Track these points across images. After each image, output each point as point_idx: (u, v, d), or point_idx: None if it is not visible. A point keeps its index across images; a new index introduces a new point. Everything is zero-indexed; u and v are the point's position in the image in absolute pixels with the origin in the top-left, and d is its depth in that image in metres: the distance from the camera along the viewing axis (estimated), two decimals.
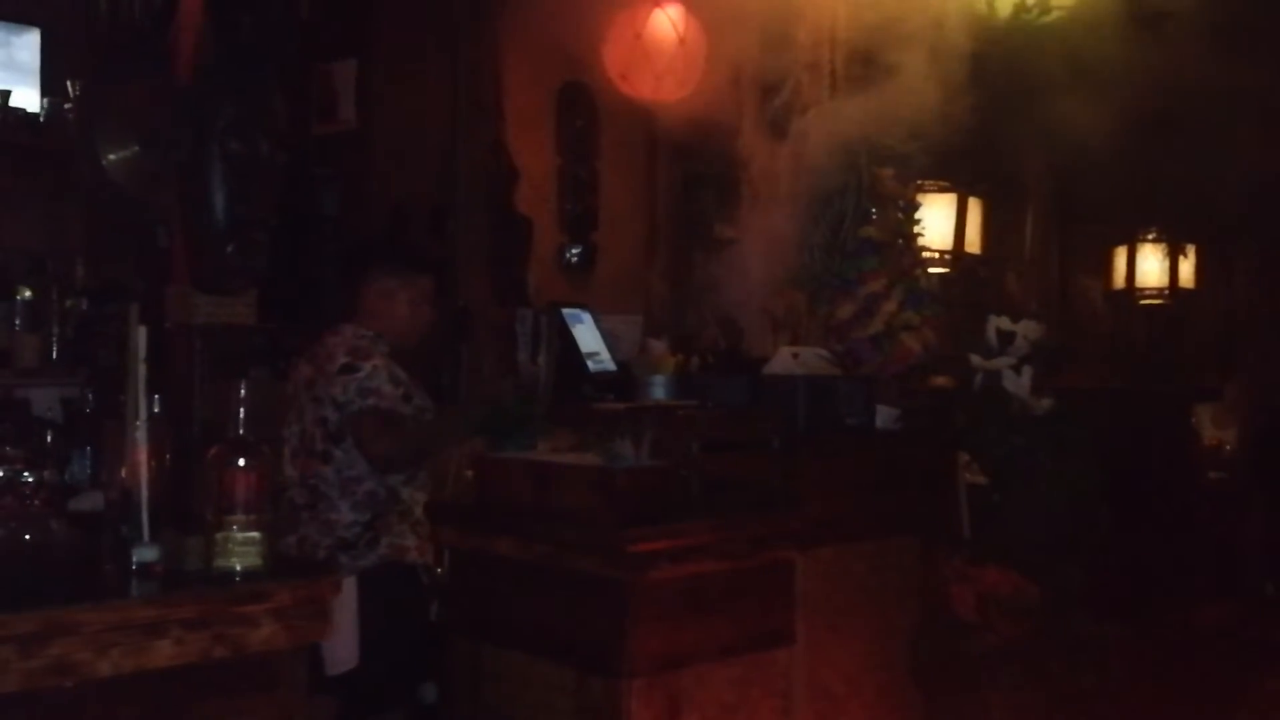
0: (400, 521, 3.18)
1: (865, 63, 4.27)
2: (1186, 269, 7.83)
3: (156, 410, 2.11)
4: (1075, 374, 5.21)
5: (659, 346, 4.05)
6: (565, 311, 4.21)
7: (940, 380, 4.03)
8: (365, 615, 3.05)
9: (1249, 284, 8.04)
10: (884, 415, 3.77)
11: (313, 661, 2.53)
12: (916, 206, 4.36)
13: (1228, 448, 7.25)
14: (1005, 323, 3.85)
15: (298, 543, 3.12)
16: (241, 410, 2.12)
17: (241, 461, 2.06)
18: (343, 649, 2.99)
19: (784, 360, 3.73)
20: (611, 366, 4.20)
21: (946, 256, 5.62)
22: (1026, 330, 3.83)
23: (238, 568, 2.05)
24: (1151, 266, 7.79)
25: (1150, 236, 7.77)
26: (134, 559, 2.01)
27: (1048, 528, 3.85)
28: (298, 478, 3.21)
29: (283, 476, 3.16)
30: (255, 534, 2.06)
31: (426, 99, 5.18)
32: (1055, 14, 4.10)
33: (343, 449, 3.14)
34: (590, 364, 4.16)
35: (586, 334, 4.24)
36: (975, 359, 3.85)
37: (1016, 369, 3.80)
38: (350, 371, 3.13)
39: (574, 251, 5.84)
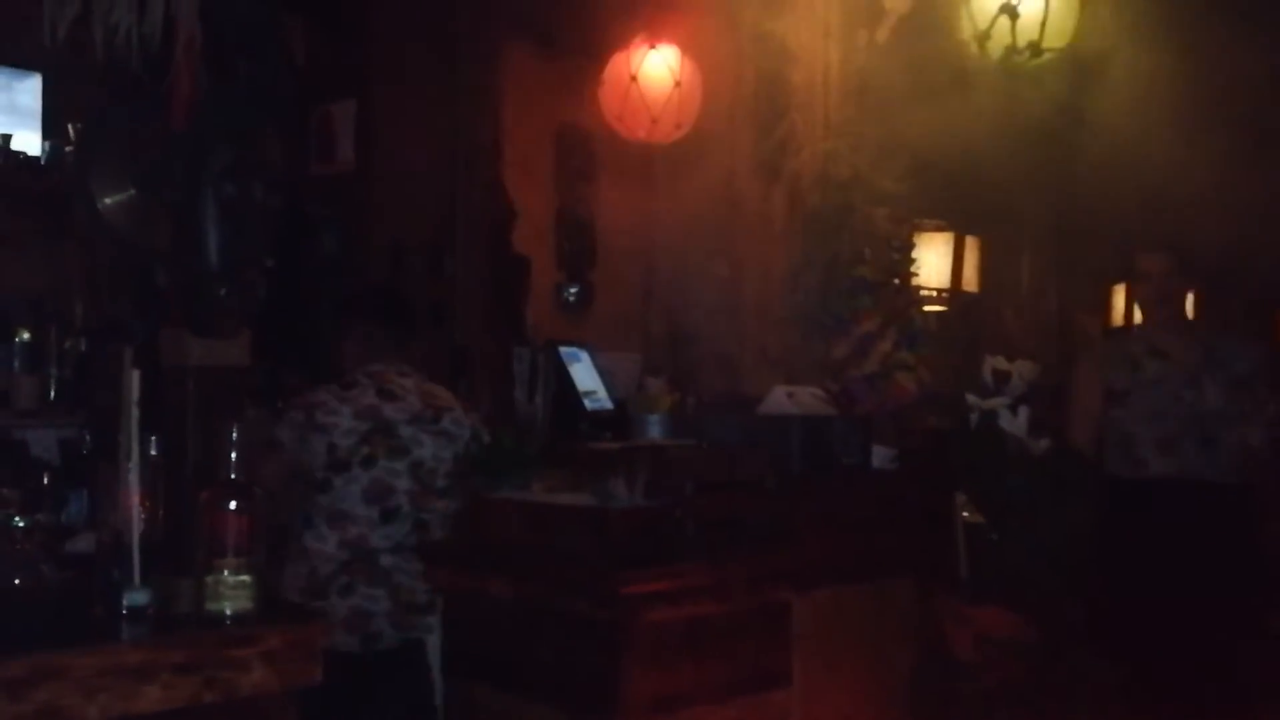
0: None
1: (859, 103, 4.30)
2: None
3: (154, 452, 2.11)
4: None
5: (657, 384, 4.05)
6: (563, 350, 4.23)
7: (934, 421, 4.03)
8: None
9: None
10: (880, 455, 3.76)
11: None
12: (911, 246, 4.38)
13: None
14: (1001, 362, 3.85)
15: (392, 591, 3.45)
16: (234, 453, 2.12)
17: (233, 504, 2.07)
18: None
19: (779, 399, 3.72)
20: (609, 405, 4.21)
21: (944, 295, 5.63)
22: (1022, 370, 3.83)
23: (228, 611, 2.04)
24: None
25: None
26: (125, 602, 2.01)
27: (1046, 567, 3.83)
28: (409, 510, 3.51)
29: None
30: (246, 577, 2.06)
31: (426, 139, 5.22)
32: (1047, 55, 4.11)
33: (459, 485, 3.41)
34: (587, 402, 4.17)
35: (584, 372, 4.26)
36: (971, 398, 3.84)
37: (1013, 409, 3.80)
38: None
39: (572, 290, 5.87)
